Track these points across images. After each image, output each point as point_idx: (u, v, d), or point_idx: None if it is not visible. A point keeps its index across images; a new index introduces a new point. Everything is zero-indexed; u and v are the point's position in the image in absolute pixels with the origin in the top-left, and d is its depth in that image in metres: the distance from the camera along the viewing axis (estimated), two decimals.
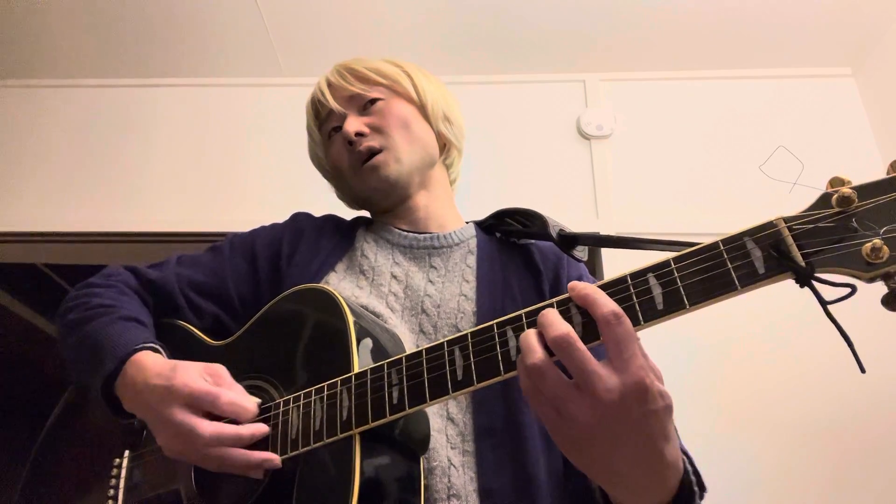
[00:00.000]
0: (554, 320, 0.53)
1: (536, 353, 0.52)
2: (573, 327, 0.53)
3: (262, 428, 0.70)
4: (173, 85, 2.42)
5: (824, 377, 1.69)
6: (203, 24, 2.23)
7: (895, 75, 2.04)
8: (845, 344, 0.51)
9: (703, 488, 0.62)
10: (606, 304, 0.52)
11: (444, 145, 1.06)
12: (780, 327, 1.74)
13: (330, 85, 1.02)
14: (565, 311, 0.56)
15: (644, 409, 0.51)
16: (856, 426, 1.65)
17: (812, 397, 1.69)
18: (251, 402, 0.72)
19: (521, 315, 0.59)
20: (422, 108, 1.03)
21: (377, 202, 1.02)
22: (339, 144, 1.01)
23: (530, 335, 0.54)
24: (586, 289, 0.54)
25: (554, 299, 0.58)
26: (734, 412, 1.69)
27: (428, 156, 1.02)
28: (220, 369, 0.75)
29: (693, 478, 0.59)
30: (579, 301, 0.55)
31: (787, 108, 2.16)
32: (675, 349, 1.46)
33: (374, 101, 0.99)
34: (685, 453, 0.63)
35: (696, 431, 1.63)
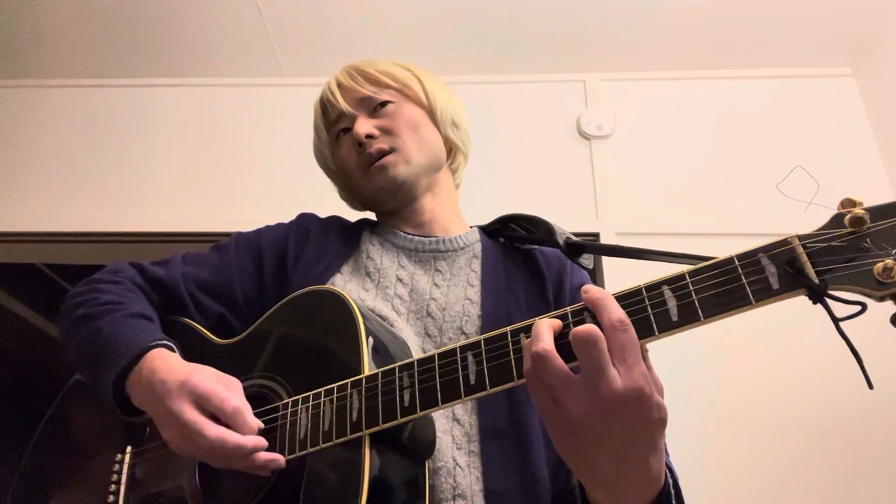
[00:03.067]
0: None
1: (544, 340, 0.54)
2: None
3: (262, 443, 0.70)
4: (173, 85, 2.41)
5: (826, 384, 1.69)
6: (203, 25, 2.22)
7: (895, 75, 2.05)
8: (846, 352, 0.52)
9: None
10: (615, 311, 0.54)
11: (451, 150, 1.07)
12: (782, 334, 1.74)
13: (340, 86, 1.02)
14: (580, 320, 0.58)
15: (638, 417, 0.52)
16: (858, 433, 1.65)
17: (813, 404, 1.69)
18: (254, 421, 0.72)
19: (534, 322, 0.60)
20: (431, 113, 1.03)
21: (383, 202, 1.02)
22: (347, 146, 1.01)
23: (543, 324, 0.56)
24: (598, 293, 0.55)
25: (568, 308, 0.59)
26: (735, 417, 1.70)
27: (436, 159, 1.02)
28: (235, 383, 0.76)
29: (672, 490, 0.60)
30: (590, 304, 0.56)
31: (787, 108, 2.17)
32: (676, 354, 1.47)
33: (384, 103, 0.99)
34: (670, 469, 0.64)
35: (696, 436, 1.64)
